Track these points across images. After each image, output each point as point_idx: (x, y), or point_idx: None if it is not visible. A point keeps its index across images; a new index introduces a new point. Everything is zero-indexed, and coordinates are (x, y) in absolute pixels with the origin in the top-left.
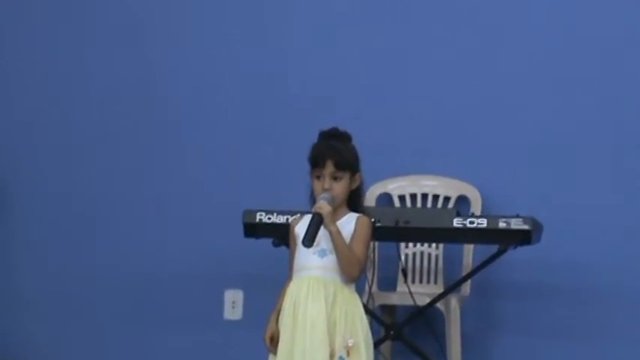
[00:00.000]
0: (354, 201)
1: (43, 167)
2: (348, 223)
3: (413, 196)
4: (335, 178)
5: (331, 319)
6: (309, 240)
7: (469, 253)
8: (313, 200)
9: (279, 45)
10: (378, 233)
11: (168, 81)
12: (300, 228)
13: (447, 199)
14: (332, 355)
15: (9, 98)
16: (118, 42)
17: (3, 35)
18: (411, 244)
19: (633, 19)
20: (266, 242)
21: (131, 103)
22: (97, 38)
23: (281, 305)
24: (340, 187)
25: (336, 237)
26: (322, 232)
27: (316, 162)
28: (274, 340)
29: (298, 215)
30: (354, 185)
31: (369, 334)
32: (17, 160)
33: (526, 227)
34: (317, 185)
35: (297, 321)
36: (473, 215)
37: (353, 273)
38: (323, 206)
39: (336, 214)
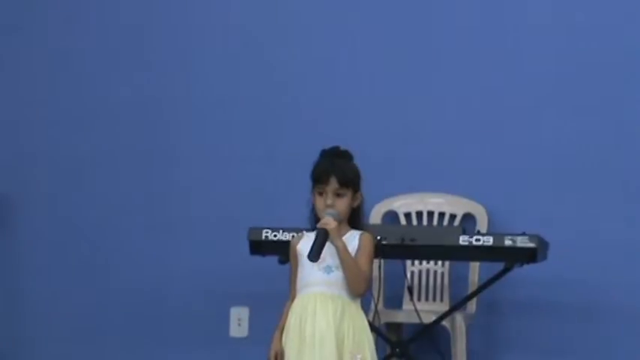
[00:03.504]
0: (355, 219)
1: (50, 187)
2: (352, 240)
3: (419, 214)
4: (338, 195)
5: (339, 334)
6: (315, 255)
7: (475, 271)
8: (314, 217)
9: (284, 63)
10: (384, 251)
11: (172, 101)
12: (303, 245)
13: (453, 216)
14: None
15: (18, 122)
16: (125, 64)
17: (5, 48)
18: (417, 262)
19: None
20: (272, 260)
21: (136, 125)
22: (104, 62)
23: (284, 323)
24: (343, 204)
25: (343, 252)
26: (327, 249)
27: (319, 178)
28: (278, 359)
29: (301, 233)
30: (355, 204)
31: (375, 351)
32: (24, 179)
33: (532, 245)
34: (319, 202)
35: (304, 336)
36: (479, 233)
37: (360, 288)
38: (329, 222)
39: (338, 231)
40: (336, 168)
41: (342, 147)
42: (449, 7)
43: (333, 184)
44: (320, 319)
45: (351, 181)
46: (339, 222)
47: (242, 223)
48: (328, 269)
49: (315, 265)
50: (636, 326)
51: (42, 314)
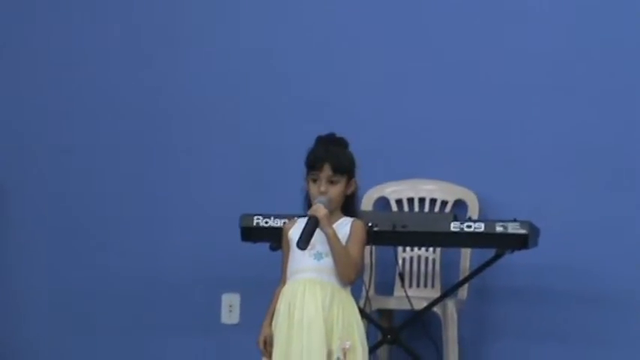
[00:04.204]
0: (348, 206)
1: (43, 173)
2: (343, 226)
3: (410, 200)
4: (332, 182)
5: (328, 320)
6: (305, 242)
7: (466, 258)
8: (308, 203)
9: (276, 51)
10: (376, 237)
11: (167, 88)
12: (295, 232)
13: (444, 203)
14: (329, 356)
15: (9, 101)
16: (119, 52)
17: (3, 38)
18: (408, 248)
19: (636, 30)
20: (263, 246)
21: (131, 109)
22: (97, 47)
23: (274, 308)
24: (336, 191)
25: (332, 239)
26: (318, 235)
27: (314, 165)
28: (267, 344)
29: (294, 219)
30: (349, 191)
31: (365, 337)
32: (17, 165)
33: (523, 231)
34: (313, 188)
35: (292, 322)
36: (470, 219)
37: (350, 275)
38: (319, 209)
39: (330, 218)
40: (330, 155)
41: (338, 134)
42: None
43: (327, 171)
44: (309, 305)
45: (345, 168)
46: (331, 209)
47: (233, 209)
48: (318, 256)
49: (305, 251)
50: (627, 312)
51: (35, 301)
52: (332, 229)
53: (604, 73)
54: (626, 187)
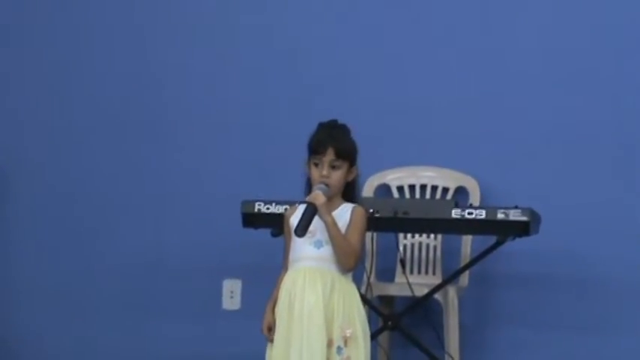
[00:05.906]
0: (348, 193)
1: (43, 161)
2: (344, 213)
3: (411, 187)
4: (333, 167)
5: (329, 308)
6: (302, 229)
7: (467, 244)
8: (309, 189)
9: (277, 37)
10: (377, 224)
11: (166, 74)
12: (295, 218)
13: (445, 190)
14: (330, 345)
15: (10, 92)
16: (118, 38)
17: (4, 30)
18: (409, 235)
19: (635, 16)
20: (264, 232)
21: (132, 95)
22: (97, 33)
23: (277, 295)
24: (338, 176)
25: (331, 227)
26: (318, 223)
27: (317, 149)
28: (272, 330)
29: (295, 205)
30: (350, 177)
31: (367, 324)
32: (17, 154)
33: (524, 218)
34: (314, 172)
35: (293, 311)
36: (471, 206)
37: (349, 263)
38: (318, 196)
39: (331, 204)
40: (333, 139)
41: (339, 121)
42: None
43: (330, 154)
44: (309, 294)
45: (347, 153)
46: (331, 195)
47: (235, 195)
48: (319, 244)
49: (305, 239)
50: (628, 299)
51: (35, 288)
52: (331, 217)
53: (605, 60)
54: (626, 173)
